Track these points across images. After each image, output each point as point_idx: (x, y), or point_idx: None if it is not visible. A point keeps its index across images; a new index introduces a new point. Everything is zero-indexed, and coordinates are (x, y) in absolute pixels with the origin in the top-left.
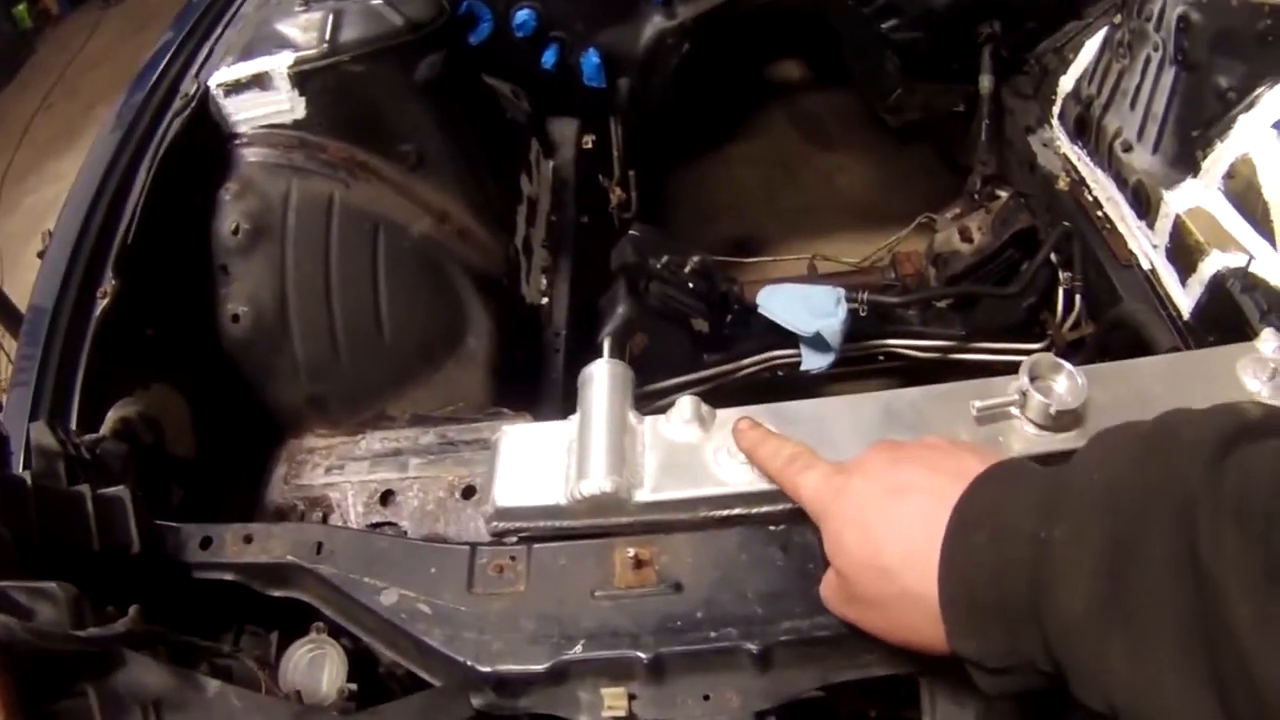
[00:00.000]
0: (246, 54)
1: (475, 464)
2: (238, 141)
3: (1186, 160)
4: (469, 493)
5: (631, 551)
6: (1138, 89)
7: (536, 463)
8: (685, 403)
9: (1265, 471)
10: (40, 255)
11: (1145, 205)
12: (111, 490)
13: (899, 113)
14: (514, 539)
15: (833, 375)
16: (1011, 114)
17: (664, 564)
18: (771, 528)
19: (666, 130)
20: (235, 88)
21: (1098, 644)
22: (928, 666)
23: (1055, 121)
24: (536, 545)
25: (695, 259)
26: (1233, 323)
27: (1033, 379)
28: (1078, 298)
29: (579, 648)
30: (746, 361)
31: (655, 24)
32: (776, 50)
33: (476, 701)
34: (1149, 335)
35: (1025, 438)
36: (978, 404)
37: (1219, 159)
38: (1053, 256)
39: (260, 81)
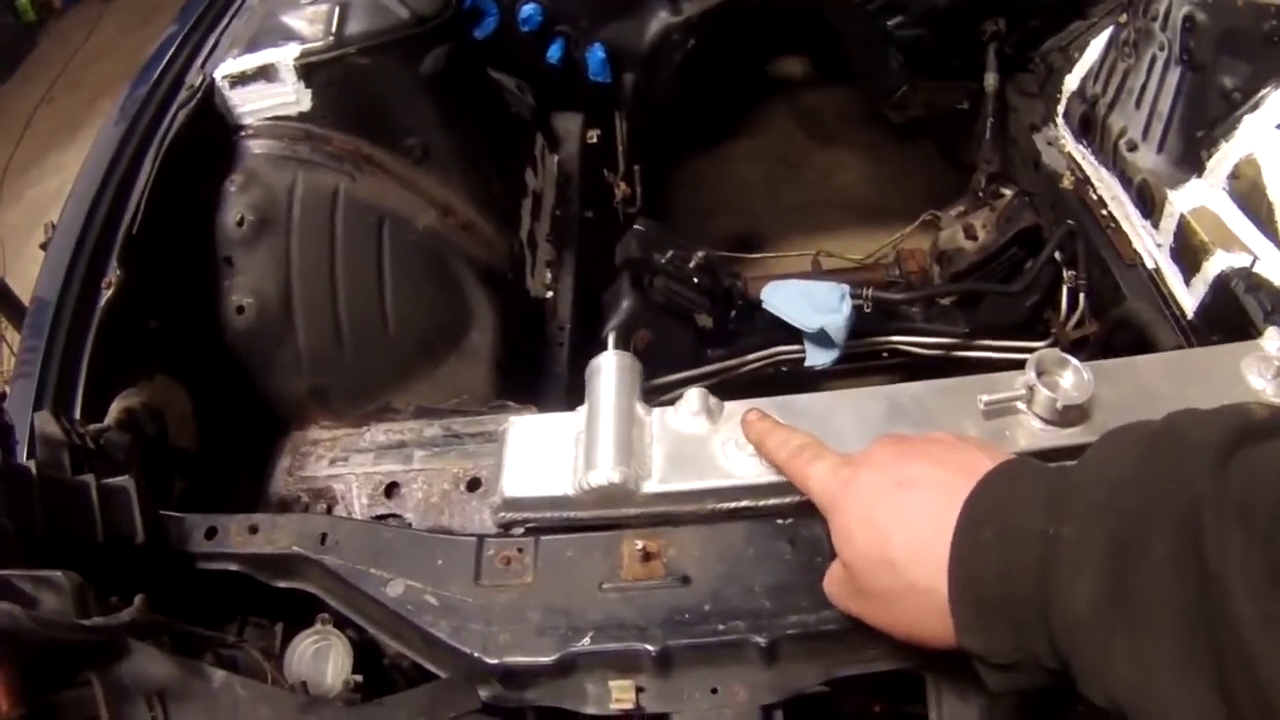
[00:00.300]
0: (252, 46)
1: (480, 457)
2: (243, 133)
3: (1191, 160)
4: (474, 485)
5: (640, 544)
6: (1143, 88)
7: (544, 453)
8: (693, 395)
9: (1270, 472)
10: (43, 247)
11: (1150, 205)
12: (116, 480)
13: (903, 110)
14: (521, 530)
15: (836, 371)
16: (1016, 112)
17: (671, 557)
18: (779, 521)
19: (670, 126)
20: (241, 79)
21: (1101, 642)
22: (933, 662)
23: (1060, 120)
24: (544, 537)
25: (700, 254)
26: (1236, 322)
27: (1039, 374)
28: (1081, 296)
29: (587, 640)
30: (750, 357)
31: (661, 19)
32: (779, 47)
33: (483, 693)
34: (1152, 334)
35: (1031, 432)
36: (985, 398)
37: (1224, 159)
38: (1057, 255)
39: (266, 73)
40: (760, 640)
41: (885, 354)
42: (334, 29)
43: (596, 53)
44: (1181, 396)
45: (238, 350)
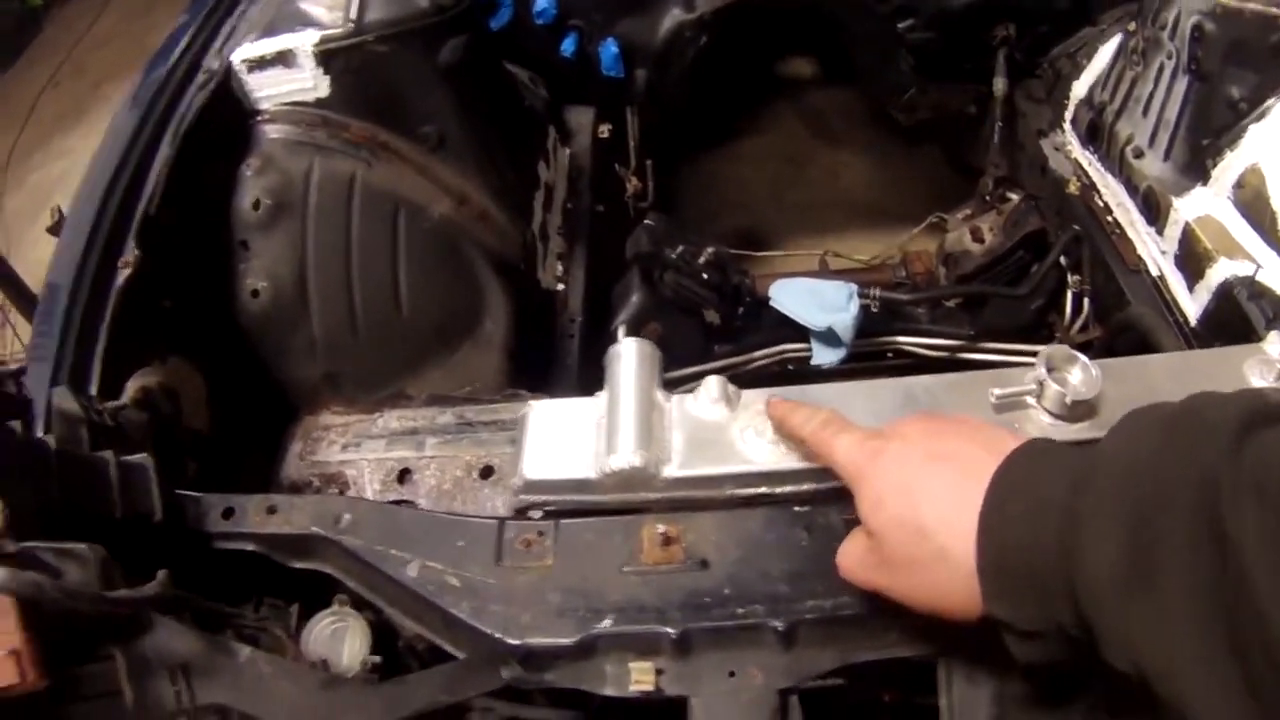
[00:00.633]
0: (270, 31)
1: (493, 444)
2: (260, 118)
3: (1197, 168)
4: (487, 473)
5: (661, 528)
6: (1150, 96)
7: (564, 437)
8: (712, 382)
9: None
10: (50, 231)
11: (1155, 211)
12: (135, 457)
13: (911, 112)
14: (539, 514)
15: (842, 370)
16: (1024, 117)
17: (691, 542)
18: (796, 509)
19: (680, 122)
20: (259, 64)
21: (1123, 607)
22: (946, 647)
23: (1067, 126)
24: (564, 520)
25: (710, 250)
26: (1239, 329)
27: (1049, 370)
28: (1086, 301)
29: (607, 622)
30: (757, 354)
31: (674, 16)
32: (787, 47)
33: (503, 674)
34: (1156, 339)
35: (1040, 426)
36: (997, 392)
37: (1229, 168)
38: (1062, 259)
39: (284, 59)
40: (778, 625)
41: (890, 355)
42: (353, 16)
43: (610, 47)
44: (1185, 394)
45: (252, 334)
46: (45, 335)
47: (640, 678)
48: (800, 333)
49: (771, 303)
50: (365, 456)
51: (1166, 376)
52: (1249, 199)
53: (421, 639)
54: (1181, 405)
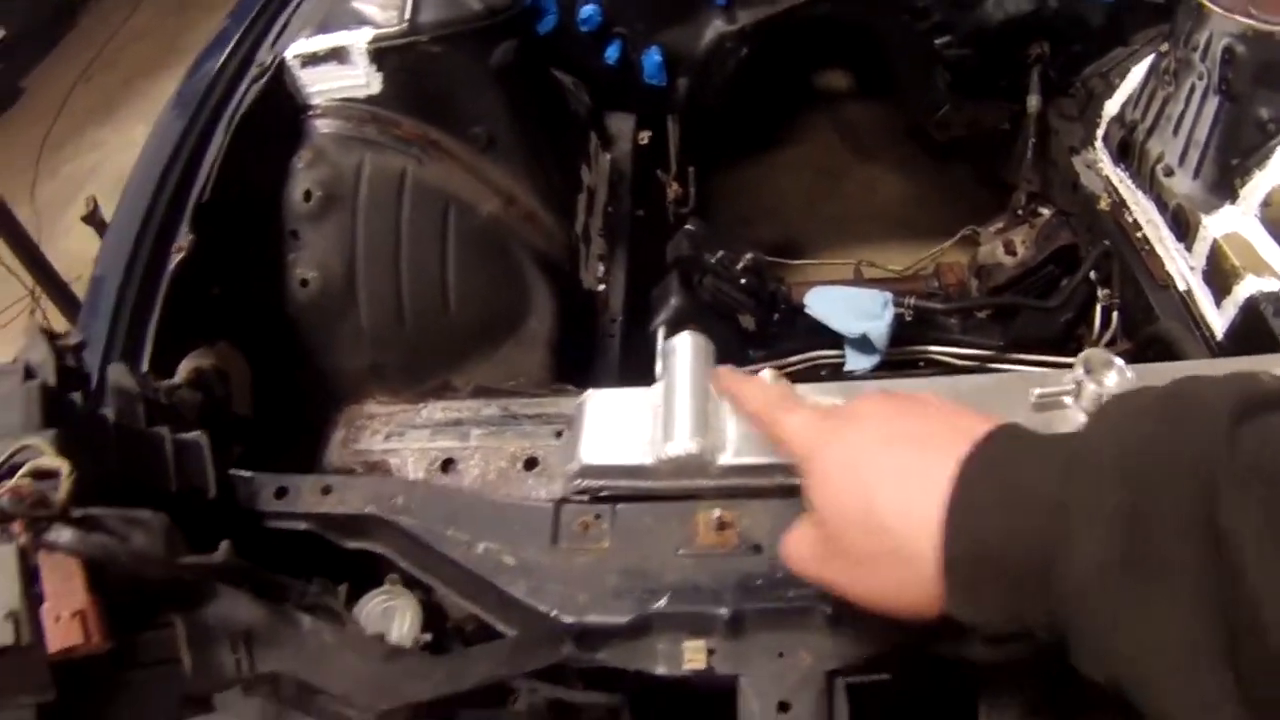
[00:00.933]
0: (324, 28)
1: (538, 437)
2: (311, 112)
3: (1225, 187)
4: (531, 464)
5: (716, 513)
6: (1181, 116)
7: (621, 424)
8: (766, 375)
9: None
10: (85, 219)
11: (1184, 228)
12: (190, 435)
13: (946, 128)
14: (589, 499)
15: (874, 378)
16: (1056, 134)
17: (745, 527)
18: None
19: (719, 131)
20: (312, 59)
21: (1110, 606)
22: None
23: (1099, 144)
24: (620, 505)
25: (748, 256)
26: (1264, 344)
27: (1087, 371)
28: (1114, 315)
29: (663, 602)
30: (791, 360)
31: (716, 27)
32: (823, 60)
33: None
34: (1183, 354)
35: (1077, 427)
36: (1037, 391)
37: (1257, 187)
38: (1092, 274)
39: (338, 55)
40: (826, 608)
41: (922, 363)
42: (408, 16)
43: (653, 56)
44: None
45: (299, 322)
46: (96, 316)
47: (693, 656)
48: (834, 340)
49: (807, 309)
50: (409, 446)
51: None
52: (1276, 217)
53: (470, 621)
54: (1169, 389)
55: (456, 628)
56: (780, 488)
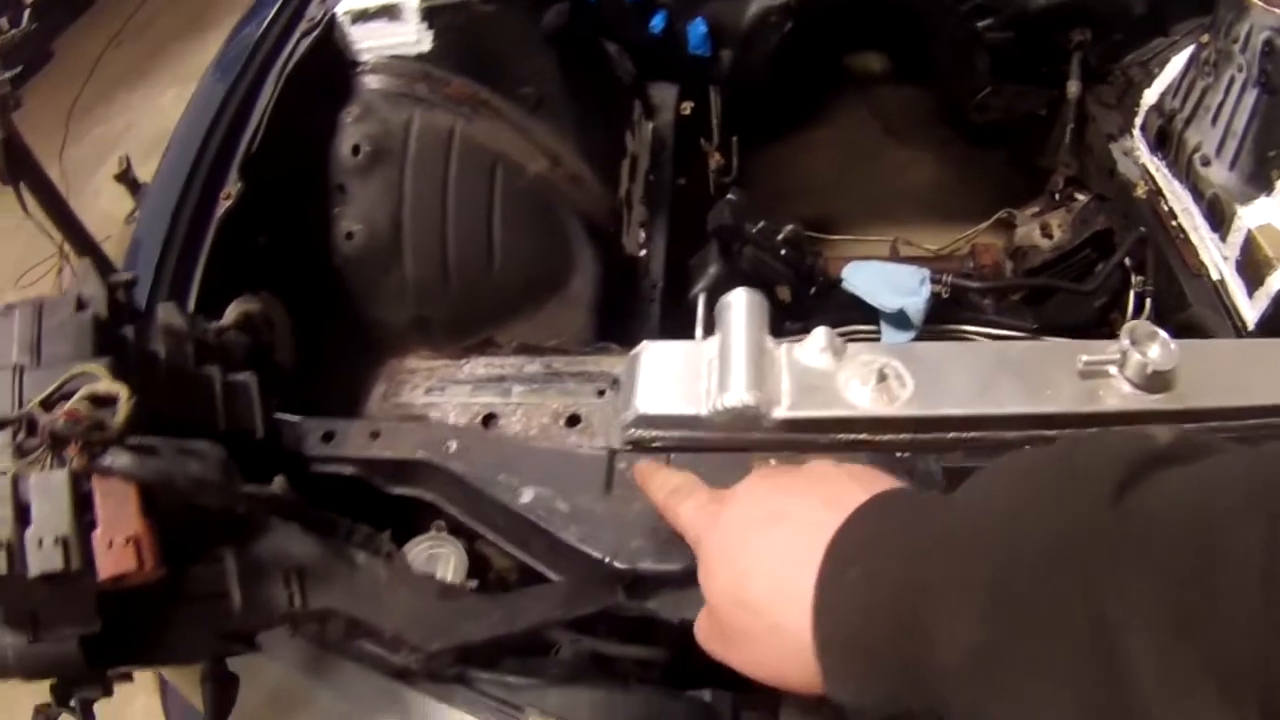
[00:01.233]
0: None
1: (580, 395)
2: (360, 69)
3: (1262, 178)
4: (573, 421)
5: (773, 461)
6: (1220, 107)
7: (676, 376)
8: (820, 332)
9: (1172, 506)
10: (117, 178)
11: (1219, 218)
12: (239, 376)
13: (984, 111)
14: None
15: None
16: (1094, 121)
17: None
18: (897, 454)
19: (759, 105)
20: (363, 16)
21: (979, 697)
22: None
23: (1137, 132)
24: (676, 454)
25: (789, 227)
26: None
27: (1133, 342)
28: (1148, 301)
29: None
30: None
31: (761, 1)
32: (861, 42)
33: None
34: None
35: (1121, 395)
36: (1084, 358)
37: None
38: (1126, 260)
39: (390, 12)
40: None
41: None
42: None
43: (699, 26)
44: (1259, 373)
45: (344, 274)
46: (140, 259)
47: None
48: (869, 315)
49: (844, 284)
50: (450, 400)
51: (1239, 358)
52: None
53: (513, 571)
54: (1050, 453)
55: (499, 577)
56: (834, 443)
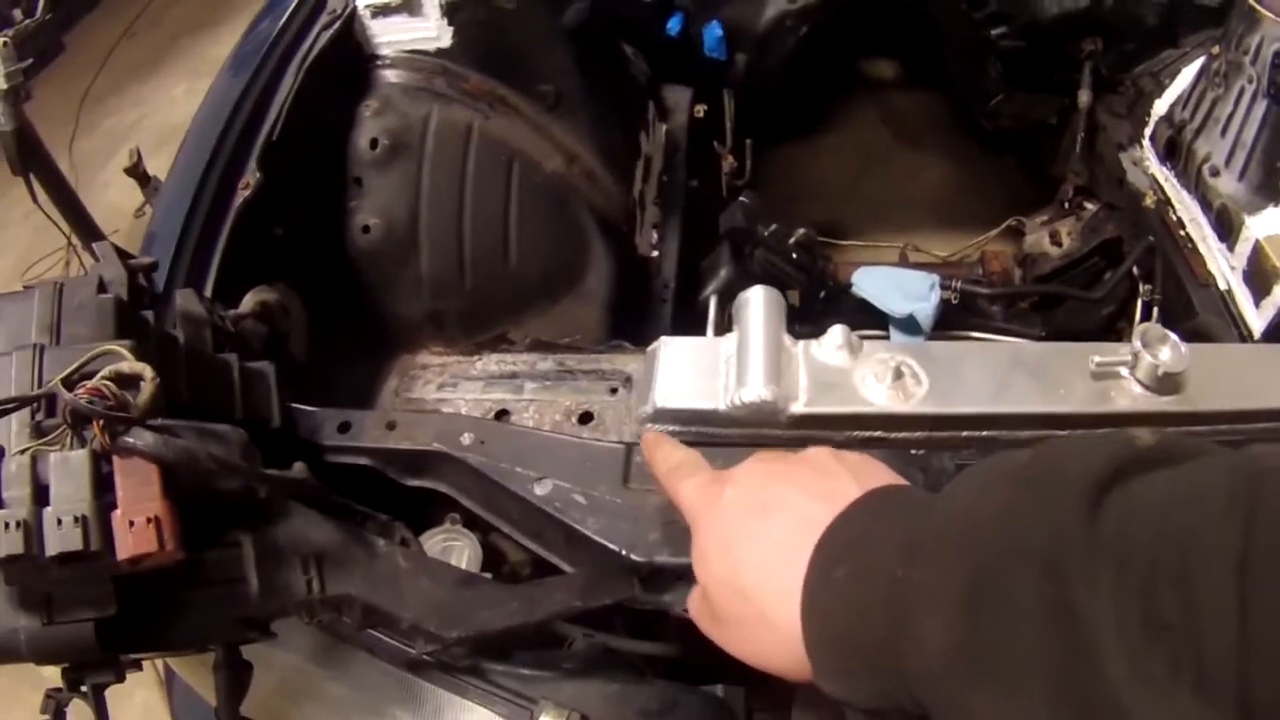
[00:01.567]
0: None
1: (593, 392)
2: (379, 62)
3: (1270, 189)
4: (585, 418)
5: None
6: (1229, 118)
7: (694, 371)
8: (837, 330)
9: (1150, 509)
10: (127, 171)
11: (1227, 228)
12: (256, 364)
13: (995, 118)
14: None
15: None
16: (1104, 130)
17: None
18: (912, 452)
19: (772, 109)
20: (383, 10)
21: (959, 693)
22: None
23: (1146, 142)
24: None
25: (801, 231)
26: None
27: (1144, 345)
28: (1155, 310)
29: None
30: None
31: (778, 4)
32: (872, 47)
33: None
34: None
35: (1132, 396)
36: (1096, 359)
37: None
38: (1134, 269)
39: (409, 7)
40: None
41: None
42: None
43: (714, 29)
44: (1270, 379)
45: (360, 268)
46: (158, 247)
47: None
48: (878, 320)
49: (854, 289)
50: (462, 396)
51: (1250, 362)
52: None
53: (527, 565)
54: (1033, 455)
55: (513, 571)
56: (848, 440)
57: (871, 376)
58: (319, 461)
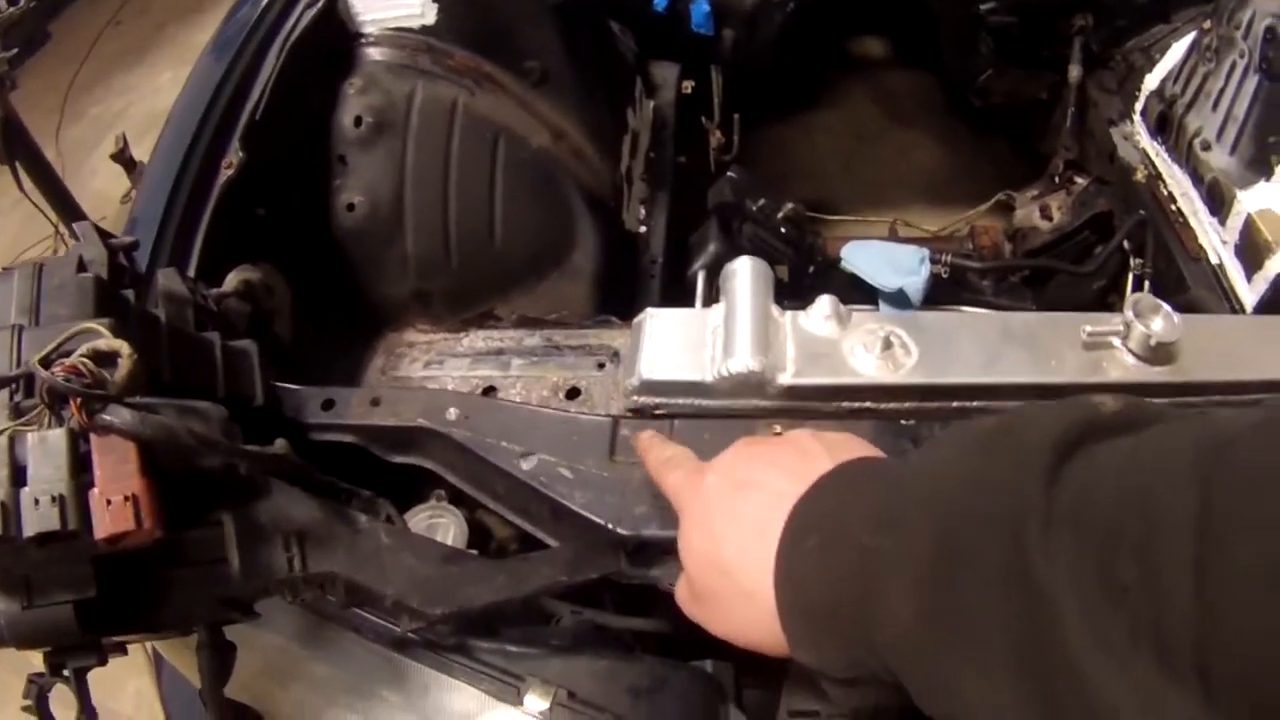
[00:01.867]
0: None
1: (580, 368)
2: (363, 40)
3: (1261, 163)
4: (573, 394)
5: (777, 428)
6: (1220, 92)
7: (680, 343)
8: (825, 300)
9: (1109, 475)
10: (113, 157)
11: (1219, 202)
12: (240, 342)
13: (985, 95)
14: (646, 418)
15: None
16: (1095, 106)
17: None
18: (902, 422)
19: (760, 86)
20: None
21: (929, 658)
22: None
23: (1137, 117)
24: (678, 420)
25: (789, 206)
26: None
27: (1136, 314)
28: (1146, 284)
29: None
30: None
31: None
32: (863, 26)
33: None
34: None
35: (1124, 366)
36: (1088, 329)
37: None
38: (1125, 243)
39: None
40: None
41: None
42: None
43: (702, 5)
44: (1260, 348)
45: (344, 247)
46: (142, 227)
47: None
48: (867, 295)
49: (843, 264)
50: (449, 374)
51: (1242, 333)
52: None
53: (513, 541)
54: (998, 421)
55: (499, 547)
56: (837, 410)
57: (860, 347)
58: (304, 440)
